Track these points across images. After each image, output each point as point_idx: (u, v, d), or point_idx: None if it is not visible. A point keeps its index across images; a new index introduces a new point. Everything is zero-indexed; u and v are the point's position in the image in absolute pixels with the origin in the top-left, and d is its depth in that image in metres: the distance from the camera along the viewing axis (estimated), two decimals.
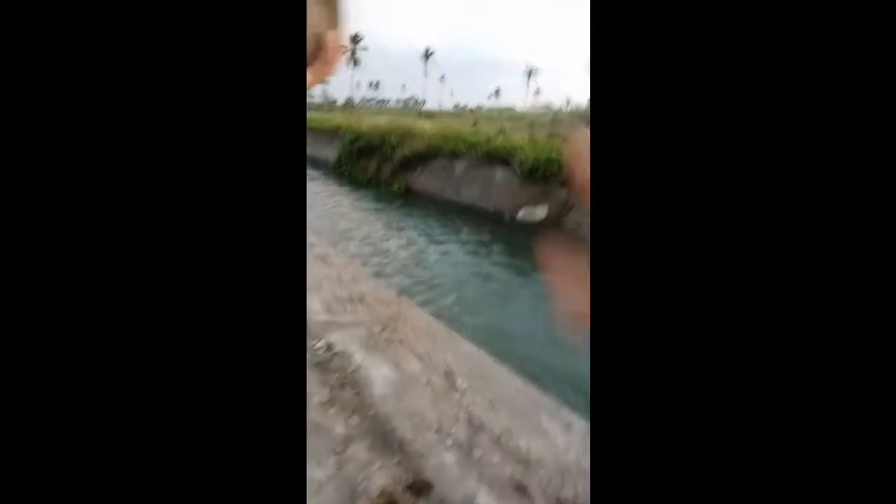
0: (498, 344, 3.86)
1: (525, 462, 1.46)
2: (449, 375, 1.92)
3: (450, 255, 6.79)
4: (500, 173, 9.43)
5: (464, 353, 2.19)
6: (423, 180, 11.10)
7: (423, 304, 4.67)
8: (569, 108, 27.65)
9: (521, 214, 8.43)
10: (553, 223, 7.91)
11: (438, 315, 4.51)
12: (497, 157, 9.57)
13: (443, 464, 1.45)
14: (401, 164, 11.63)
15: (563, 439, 1.60)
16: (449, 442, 1.53)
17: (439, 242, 7.43)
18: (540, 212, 8.21)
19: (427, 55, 55.63)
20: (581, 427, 1.69)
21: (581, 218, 7.60)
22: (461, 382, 1.87)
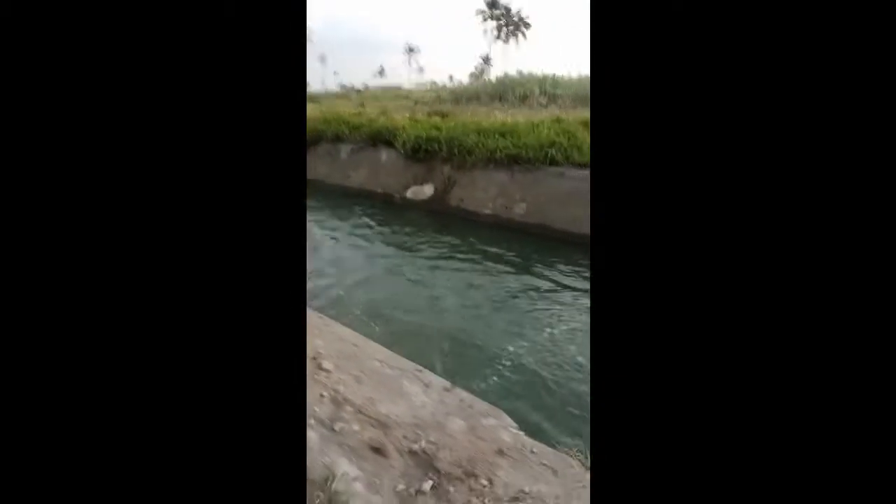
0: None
1: (383, 425, 1.60)
2: (316, 359, 1.98)
3: (345, 240, 6.71)
4: (385, 154, 9.41)
5: (335, 337, 2.26)
6: (310, 166, 10.61)
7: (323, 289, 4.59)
8: (452, 85, 28.12)
9: (409, 193, 8.57)
10: (439, 199, 8.19)
11: (331, 298, 4.48)
12: (381, 138, 9.52)
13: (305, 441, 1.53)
14: None
15: (421, 398, 1.78)
16: (312, 421, 1.61)
17: (333, 228, 7.27)
18: (427, 189, 8.43)
19: None
20: (438, 383, 1.89)
21: (463, 193, 7.98)
22: (328, 364, 1.94)
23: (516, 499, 1.32)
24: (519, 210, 7.31)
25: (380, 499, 1.30)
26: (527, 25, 42.77)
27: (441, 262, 5.87)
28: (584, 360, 3.28)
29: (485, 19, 42.17)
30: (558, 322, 4.11)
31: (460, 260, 5.93)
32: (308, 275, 5.24)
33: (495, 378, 2.88)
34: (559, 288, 5.03)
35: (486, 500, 1.31)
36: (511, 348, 3.44)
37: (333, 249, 6.41)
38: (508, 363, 3.21)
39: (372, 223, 7.55)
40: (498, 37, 42.14)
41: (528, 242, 6.51)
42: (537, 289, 4.98)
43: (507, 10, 42.02)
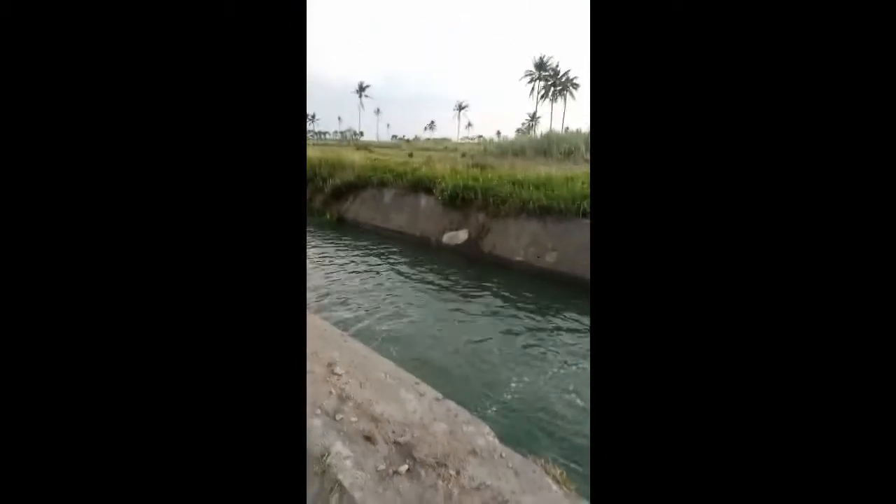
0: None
1: (376, 420, 1.87)
2: (331, 366, 2.29)
3: (378, 276, 7.15)
4: (424, 201, 10.02)
5: (350, 350, 2.58)
6: (355, 209, 11.44)
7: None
8: (499, 140, 29.35)
9: (444, 238, 9.03)
10: (473, 245, 8.55)
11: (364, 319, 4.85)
12: (422, 186, 10.20)
13: (311, 426, 1.82)
14: (332, 193, 11.94)
15: (413, 405, 2.03)
16: (318, 411, 1.90)
17: (368, 266, 7.77)
18: (461, 235, 8.86)
19: (361, 89, 56.99)
20: (431, 394, 2.13)
21: (496, 239, 8.30)
22: (340, 370, 2.25)
23: (477, 488, 1.53)
24: (549, 258, 7.50)
25: (363, 474, 1.55)
26: (575, 86, 44.46)
27: (463, 303, 6.12)
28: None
29: (532, 80, 44.29)
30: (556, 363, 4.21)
31: (480, 299, 6.17)
32: (341, 304, 5.70)
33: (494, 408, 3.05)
34: (566, 330, 5.13)
35: (450, 486, 1.52)
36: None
37: (364, 283, 6.85)
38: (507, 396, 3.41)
39: (406, 262, 8.01)
40: (545, 96, 43.94)
41: (552, 288, 6.67)
42: (551, 329, 5.11)
43: (556, 71, 44.05)
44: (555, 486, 1.61)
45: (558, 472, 1.68)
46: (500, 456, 1.73)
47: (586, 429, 3.08)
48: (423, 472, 1.58)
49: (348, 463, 1.59)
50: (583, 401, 3.53)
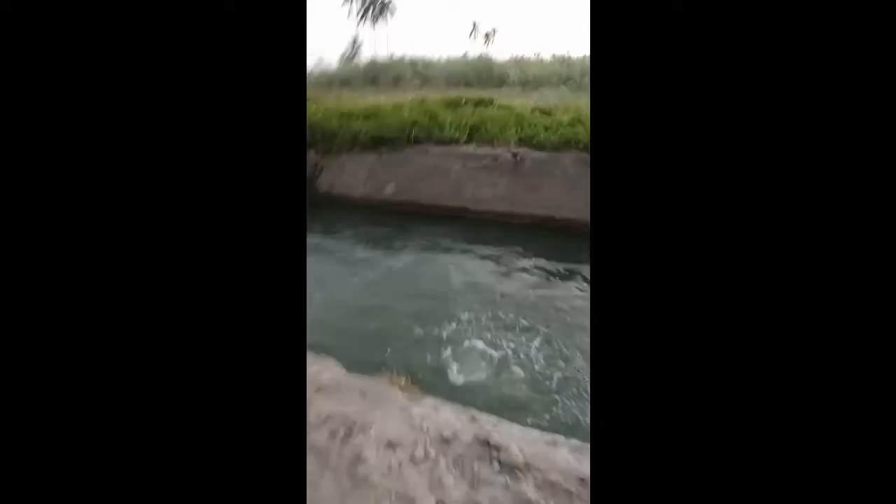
0: None
1: None
2: None
3: None
4: None
5: None
6: None
7: None
8: (321, 68, 26.87)
9: None
10: (308, 187, 8.02)
11: None
12: None
13: None
14: None
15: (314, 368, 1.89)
16: None
17: None
18: None
19: None
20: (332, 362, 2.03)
21: (332, 178, 7.93)
22: None
23: (324, 422, 1.54)
24: (389, 190, 7.52)
25: None
26: (391, 10, 42.60)
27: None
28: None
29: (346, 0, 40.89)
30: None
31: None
32: None
33: None
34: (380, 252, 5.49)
35: None
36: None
37: None
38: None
39: None
40: (363, 17, 41.27)
41: (391, 220, 6.82)
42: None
43: None
44: (400, 394, 1.72)
45: (402, 380, 1.80)
46: (347, 385, 1.75)
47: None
48: None
49: None
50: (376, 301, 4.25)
